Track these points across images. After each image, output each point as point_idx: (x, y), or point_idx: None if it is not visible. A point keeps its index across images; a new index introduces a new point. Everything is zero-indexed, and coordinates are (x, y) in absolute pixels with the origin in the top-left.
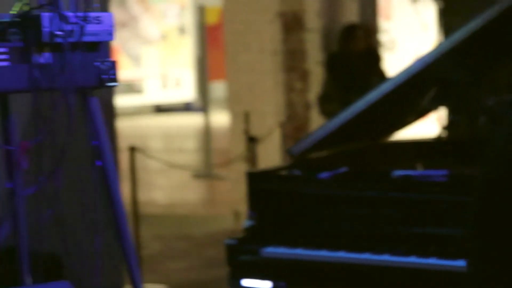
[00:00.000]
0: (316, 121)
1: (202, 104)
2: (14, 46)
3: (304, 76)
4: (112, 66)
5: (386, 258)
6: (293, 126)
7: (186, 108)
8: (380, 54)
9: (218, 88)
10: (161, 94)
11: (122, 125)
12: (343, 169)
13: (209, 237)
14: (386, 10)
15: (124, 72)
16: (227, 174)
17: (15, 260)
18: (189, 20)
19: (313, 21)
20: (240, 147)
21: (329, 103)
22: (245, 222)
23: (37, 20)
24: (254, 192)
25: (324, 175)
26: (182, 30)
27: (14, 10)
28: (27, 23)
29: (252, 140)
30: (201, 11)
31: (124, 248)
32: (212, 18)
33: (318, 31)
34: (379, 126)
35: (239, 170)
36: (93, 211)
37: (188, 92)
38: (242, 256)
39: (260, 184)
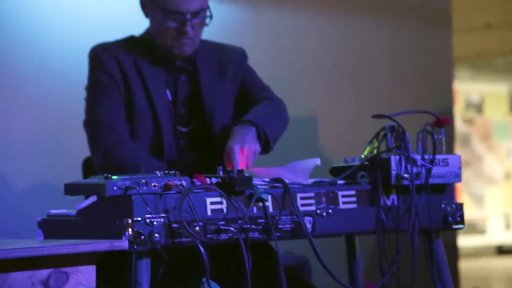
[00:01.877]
0: None
1: None
2: (362, 189)
3: None
4: (459, 208)
5: None
6: None
7: None
8: None
9: None
10: (504, 234)
11: (464, 266)
12: None
13: None
14: None
15: (466, 212)
16: None
17: None
18: None
19: None
20: None
21: None
22: None
23: (386, 163)
24: None
25: None
26: None
27: (364, 153)
28: (376, 166)
29: None
30: None
31: None
32: None
33: None
34: None
35: None
36: None
37: None
38: None
39: None
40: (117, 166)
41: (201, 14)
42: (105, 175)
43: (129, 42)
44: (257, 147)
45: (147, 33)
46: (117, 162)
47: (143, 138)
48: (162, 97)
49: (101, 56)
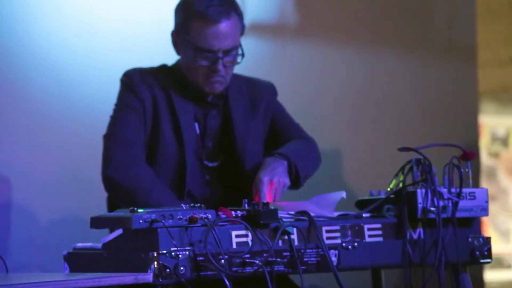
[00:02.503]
0: None
1: None
2: (388, 222)
3: None
4: (486, 242)
5: None
6: None
7: None
8: None
9: None
10: None
11: None
12: None
13: None
14: None
15: (492, 246)
16: None
17: None
18: None
19: None
20: None
21: None
22: None
23: (412, 196)
24: None
25: None
26: None
27: (390, 187)
28: (402, 199)
29: None
30: None
31: None
32: None
33: None
34: None
35: None
36: None
37: None
38: None
39: None
40: (127, 184)
41: (232, 52)
42: (130, 208)
43: (162, 71)
44: (287, 181)
45: (178, 66)
46: (129, 181)
47: (165, 168)
48: (190, 130)
49: (134, 80)
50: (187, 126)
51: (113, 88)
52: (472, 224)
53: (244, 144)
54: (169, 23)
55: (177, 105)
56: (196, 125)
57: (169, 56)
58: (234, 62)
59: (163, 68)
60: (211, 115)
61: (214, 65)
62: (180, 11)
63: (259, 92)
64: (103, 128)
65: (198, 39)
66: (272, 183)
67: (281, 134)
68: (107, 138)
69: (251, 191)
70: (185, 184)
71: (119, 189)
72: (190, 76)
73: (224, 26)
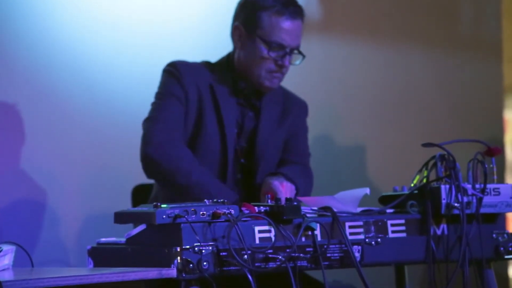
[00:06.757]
0: None
1: None
2: (412, 218)
3: None
4: (510, 238)
5: None
6: None
7: None
8: None
9: None
10: None
11: None
12: None
13: None
14: None
15: None
16: None
17: None
18: None
19: None
20: None
21: None
22: None
23: (436, 192)
24: None
25: None
26: None
27: (413, 182)
28: (425, 195)
29: None
30: None
31: None
32: None
33: None
34: None
35: None
36: None
37: None
38: None
39: None
40: (167, 164)
41: (296, 51)
42: (154, 203)
43: (206, 66)
44: (293, 186)
45: (224, 62)
46: (169, 161)
47: (207, 161)
48: (231, 128)
49: (181, 71)
50: (229, 124)
51: (139, 89)
52: (496, 220)
53: (263, 149)
54: (198, 22)
55: (221, 102)
56: (235, 124)
57: (190, 56)
58: (294, 61)
59: (206, 64)
60: (248, 116)
61: (281, 60)
62: (250, 4)
63: (292, 107)
64: (128, 127)
65: (272, 33)
66: (283, 185)
67: (289, 153)
68: (149, 120)
69: (259, 199)
70: (226, 178)
71: (158, 168)
72: (251, 69)
73: (298, 24)
